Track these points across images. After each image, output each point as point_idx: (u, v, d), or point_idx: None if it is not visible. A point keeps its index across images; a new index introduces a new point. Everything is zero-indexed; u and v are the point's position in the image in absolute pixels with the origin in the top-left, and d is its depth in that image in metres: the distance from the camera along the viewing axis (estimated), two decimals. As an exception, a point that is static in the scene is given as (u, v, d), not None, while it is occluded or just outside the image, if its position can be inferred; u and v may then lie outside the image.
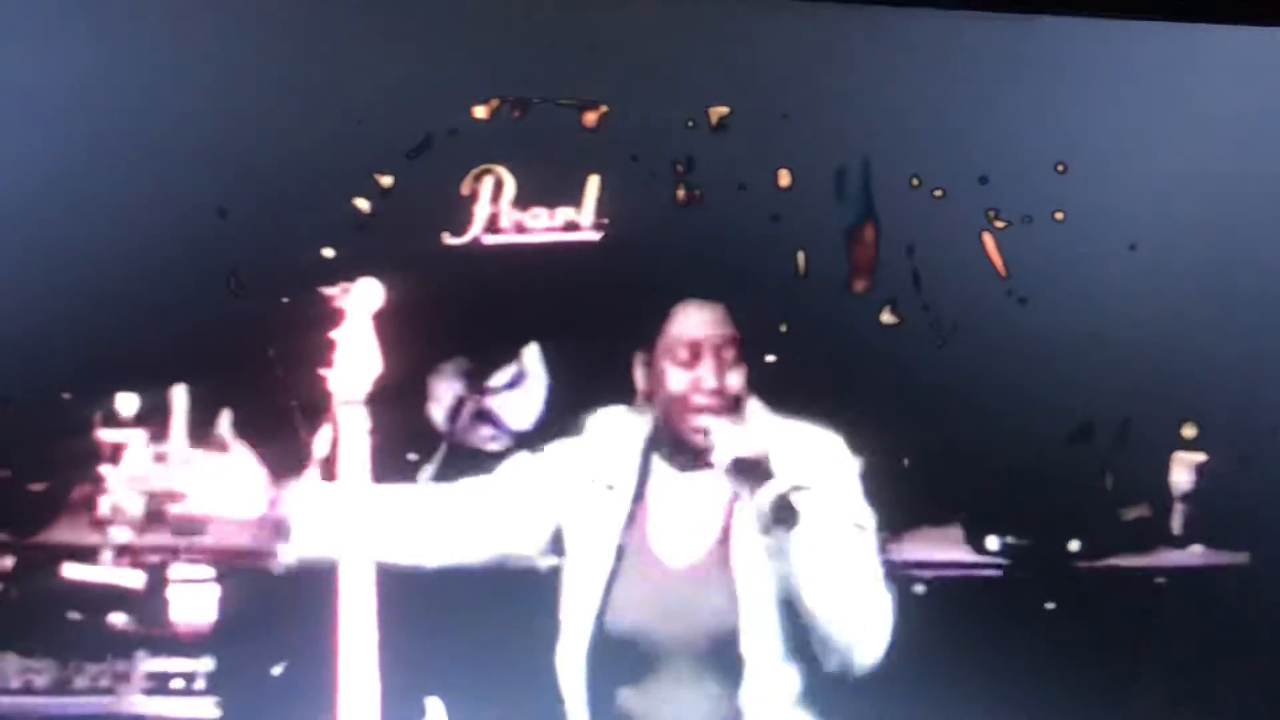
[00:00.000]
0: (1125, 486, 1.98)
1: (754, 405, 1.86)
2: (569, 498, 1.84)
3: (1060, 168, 1.97)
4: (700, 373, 1.83)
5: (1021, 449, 1.94)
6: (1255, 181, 1.99)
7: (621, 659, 1.81)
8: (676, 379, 1.83)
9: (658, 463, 1.85)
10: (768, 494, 1.75)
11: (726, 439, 1.78)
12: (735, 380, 1.84)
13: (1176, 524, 1.99)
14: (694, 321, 1.85)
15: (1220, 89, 1.99)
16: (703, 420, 1.81)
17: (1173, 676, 1.97)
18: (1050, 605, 1.95)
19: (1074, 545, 1.96)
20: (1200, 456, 1.98)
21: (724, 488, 1.82)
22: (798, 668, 1.81)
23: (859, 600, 1.83)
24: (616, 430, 1.86)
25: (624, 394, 1.88)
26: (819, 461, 1.83)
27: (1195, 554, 1.99)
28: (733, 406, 1.83)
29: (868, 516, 1.86)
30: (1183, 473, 1.99)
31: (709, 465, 1.80)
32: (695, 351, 1.83)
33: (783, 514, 1.75)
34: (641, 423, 1.86)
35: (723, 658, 1.81)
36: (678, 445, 1.84)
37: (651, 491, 1.84)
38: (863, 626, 1.83)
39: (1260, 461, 1.99)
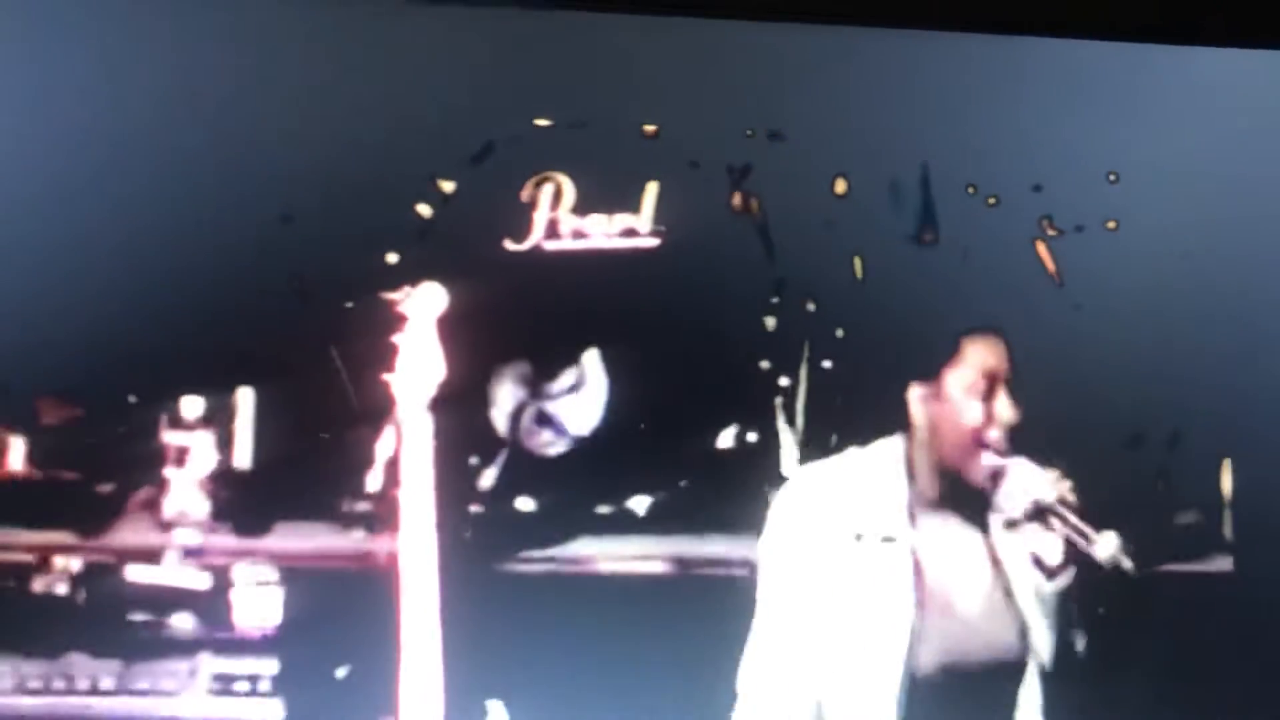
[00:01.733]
0: (1176, 493, 2.00)
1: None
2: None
3: (1112, 177, 1.99)
4: (997, 406, 1.80)
5: (1076, 455, 1.96)
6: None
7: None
8: (973, 410, 1.79)
9: (916, 504, 1.84)
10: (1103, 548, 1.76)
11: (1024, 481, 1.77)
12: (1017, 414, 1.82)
13: (1228, 531, 2.00)
14: (992, 353, 1.82)
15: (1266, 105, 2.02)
16: (990, 459, 1.80)
17: (1225, 680, 1.98)
18: (1102, 611, 1.96)
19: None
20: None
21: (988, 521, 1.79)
22: None
23: None
24: (868, 469, 1.84)
25: (680, 396, 1.90)
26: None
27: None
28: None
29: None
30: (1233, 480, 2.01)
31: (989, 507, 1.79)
32: (993, 385, 1.81)
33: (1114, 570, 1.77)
34: (893, 458, 1.83)
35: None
36: (958, 484, 1.81)
37: (920, 538, 1.82)
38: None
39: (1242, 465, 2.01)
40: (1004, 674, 1.80)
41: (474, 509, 1.87)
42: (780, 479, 1.90)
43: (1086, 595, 1.94)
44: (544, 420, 1.89)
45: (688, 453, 1.91)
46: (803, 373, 1.92)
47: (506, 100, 1.90)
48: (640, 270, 1.91)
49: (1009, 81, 1.99)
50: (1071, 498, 1.77)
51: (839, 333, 1.93)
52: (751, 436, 1.92)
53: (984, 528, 1.83)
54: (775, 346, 1.93)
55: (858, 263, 1.94)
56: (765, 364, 1.93)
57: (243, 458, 1.85)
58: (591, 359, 1.90)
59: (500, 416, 1.89)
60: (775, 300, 1.93)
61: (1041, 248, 1.98)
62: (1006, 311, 1.92)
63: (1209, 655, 1.95)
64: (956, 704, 1.82)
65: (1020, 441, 1.93)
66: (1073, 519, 1.76)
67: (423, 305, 1.86)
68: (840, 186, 1.95)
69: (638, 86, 1.94)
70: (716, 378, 1.92)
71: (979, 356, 1.82)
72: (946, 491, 1.82)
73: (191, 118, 1.84)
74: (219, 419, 1.84)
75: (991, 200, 1.97)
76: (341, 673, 1.84)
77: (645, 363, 1.90)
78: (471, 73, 1.90)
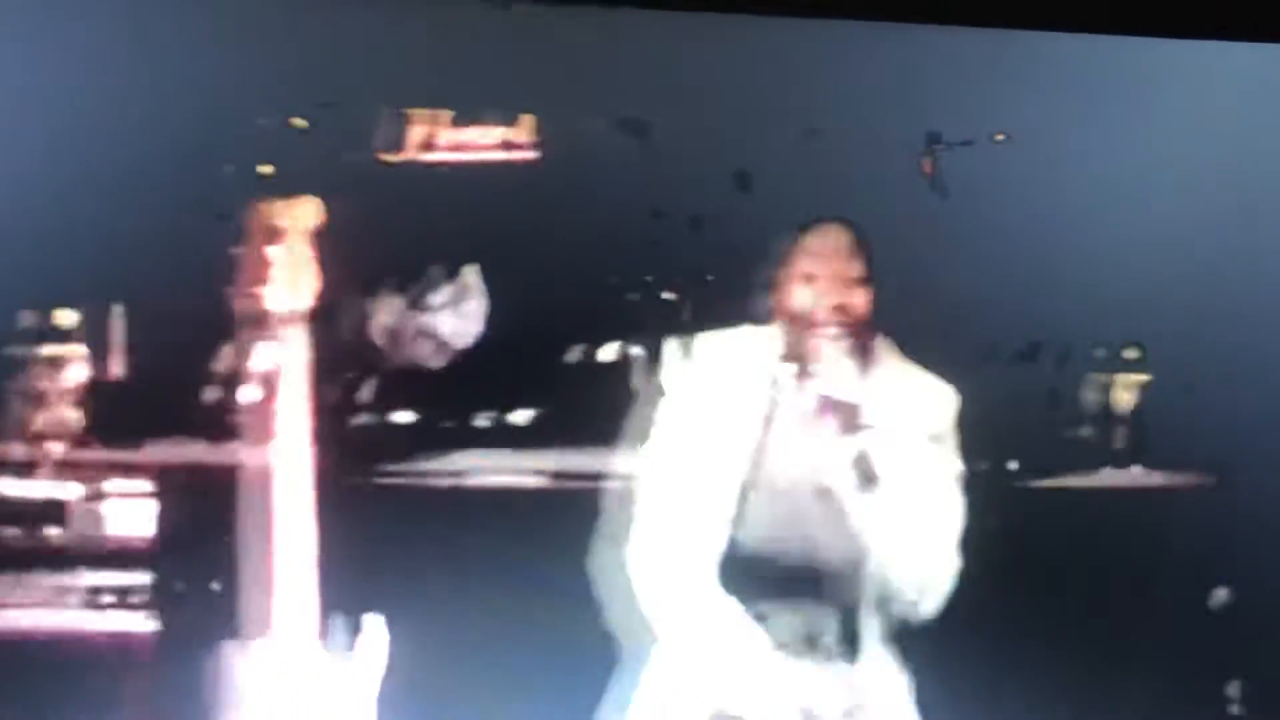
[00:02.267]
0: (1067, 407, 1.98)
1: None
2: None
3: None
4: (822, 290, 1.82)
5: (962, 370, 1.95)
6: (1211, 101, 2.00)
7: (752, 573, 1.82)
8: (800, 296, 1.82)
9: (786, 379, 1.85)
10: (854, 445, 1.76)
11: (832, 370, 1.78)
12: (859, 300, 1.84)
13: (1118, 444, 1.99)
14: (823, 242, 1.84)
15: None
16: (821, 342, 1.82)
17: (1111, 595, 1.97)
18: (992, 524, 1.95)
19: (1013, 465, 1.97)
20: (1142, 378, 1.99)
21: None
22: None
23: (931, 555, 1.85)
24: (738, 347, 1.87)
25: (561, 310, 1.89)
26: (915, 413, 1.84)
27: (1135, 475, 1.99)
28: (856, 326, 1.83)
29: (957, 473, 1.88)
30: (1124, 394, 1.99)
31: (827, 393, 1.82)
32: (821, 272, 1.83)
33: (862, 471, 1.76)
34: (766, 341, 1.86)
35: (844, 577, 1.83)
36: (801, 364, 1.84)
37: (780, 410, 1.84)
38: (930, 580, 1.85)
39: (1203, 385, 2.00)
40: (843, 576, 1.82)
41: (350, 422, 1.86)
42: (660, 391, 1.89)
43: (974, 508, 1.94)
44: (422, 333, 1.88)
45: (568, 367, 1.90)
46: (685, 286, 1.91)
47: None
48: (520, 183, 1.89)
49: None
50: (852, 396, 1.77)
51: (721, 245, 1.92)
52: (635, 350, 1.91)
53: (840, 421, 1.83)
54: (658, 260, 1.92)
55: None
56: (649, 277, 1.92)
57: (116, 370, 1.83)
58: (471, 272, 1.89)
59: (377, 330, 1.87)
60: (657, 213, 1.92)
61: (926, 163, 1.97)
62: (885, 213, 1.91)
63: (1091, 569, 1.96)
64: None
65: (911, 355, 1.93)
66: (843, 417, 1.77)
67: (298, 218, 1.85)
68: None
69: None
70: (598, 292, 1.91)
71: (818, 248, 1.83)
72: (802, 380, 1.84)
73: (75, 32, 1.83)
74: (92, 332, 1.83)
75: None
76: (215, 586, 1.83)
77: (526, 276, 1.89)
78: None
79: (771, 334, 1.86)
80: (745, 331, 1.87)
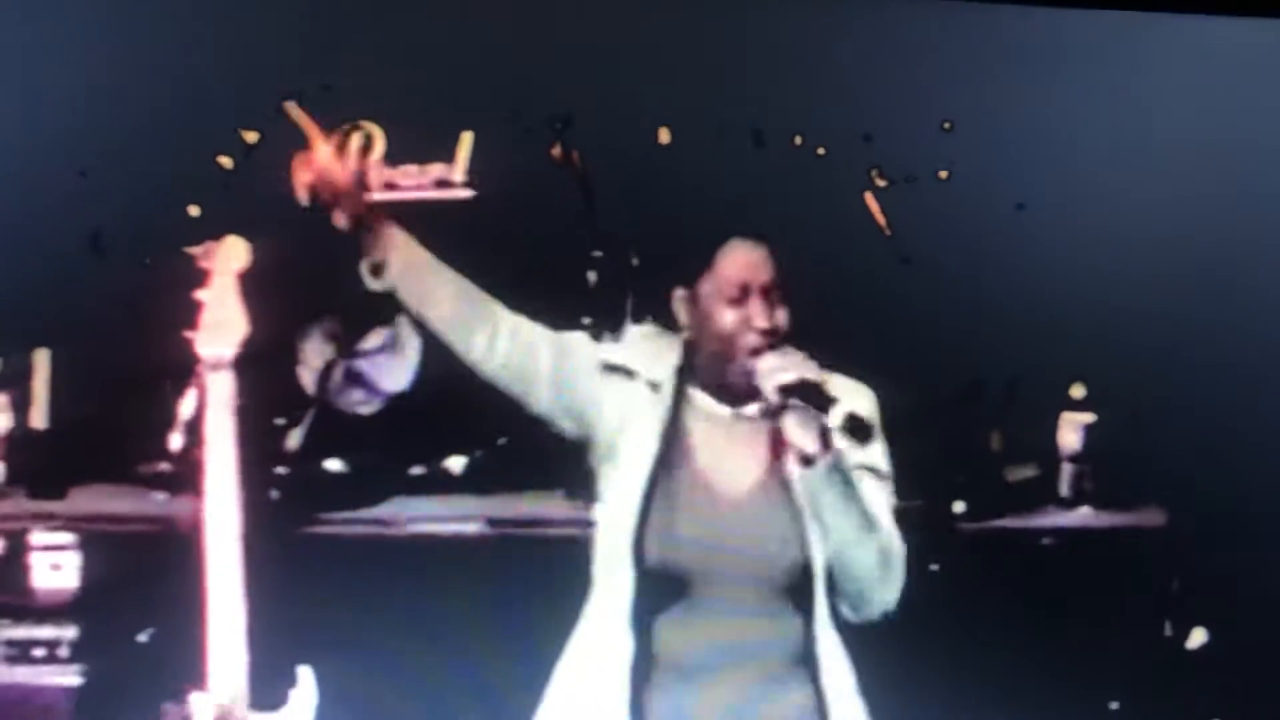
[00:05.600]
0: (1012, 447, 1.96)
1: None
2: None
3: (946, 125, 1.94)
4: (750, 311, 1.79)
5: (906, 410, 1.92)
6: (1142, 143, 1.97)
7: (672, 592, 1.78)
8: (726, 318, 1.79)
9: (692, 390, 1.82)
10: (839, 411, 1.73)
11: (778, 369, 1.75)
12: (782, 318, 1.81)
13: (1064, 485, 1.97)
14: (744, 261, 1.81)
15: (1108, 62, 1.98)
16: (750, 360, 1.78)
17: (1058, 637, 1.95)
18: (934, 567, 1.93)
19: (959, 506, 1.94)
20: (1088, 417, 1.97)
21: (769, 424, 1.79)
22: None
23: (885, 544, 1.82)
24: (646, 339, 1.84)
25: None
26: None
27: (1083, 516, 1.97)
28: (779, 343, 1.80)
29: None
30: (1070, 433, 1.97)
31: (756, 400, 1.78)
32: (745, 291, 1.80)
33: (856, 429, 1.73)
34: (672, 344, 1.83)
35: (793, 586, 1.79)
36: (723, 381, 1.80)
37: (690, 419, 1.81)
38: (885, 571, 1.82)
39: (1149, 423, 1.97)
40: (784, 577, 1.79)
41: (280, 470, 1.82)
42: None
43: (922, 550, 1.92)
44: (354, 378, 1.84)
45: (505, 411, 1.86)
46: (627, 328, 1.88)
47: (313, 47, 1.84)
48: (455, 222, 1.85)
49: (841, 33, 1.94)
50: (815, 376, 1.74)
51: (664, 289, 1.88)
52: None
53: (756, 420, 1.80)
54: (597, 302, 1.88)
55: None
56: (586, 319, 1.88)
57: (39, 419, 1.79)
58: (404, 316, 1.85)
59: (308, 375, 1.84)
60: (597, 254, 1.89)
61: (870, 199, 1.93)
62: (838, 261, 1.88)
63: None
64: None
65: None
66: (811, 395, 1.74)
67: (225, 260, 1.80)
68: (664, 136, 1.90)
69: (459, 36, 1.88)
70: (535, 334, 1.87)
71: (734, 265, 1.80)
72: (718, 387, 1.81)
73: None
74: (14, 380, 1.79)
75: (821, 151, 1.93)
76: (143, 638, 1.79)
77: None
78: (277, 18, 1.84)
79: (683, 344, 1.83)
80: (655, 337, 1.84)
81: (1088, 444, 1.97)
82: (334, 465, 1.84)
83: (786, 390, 1.74)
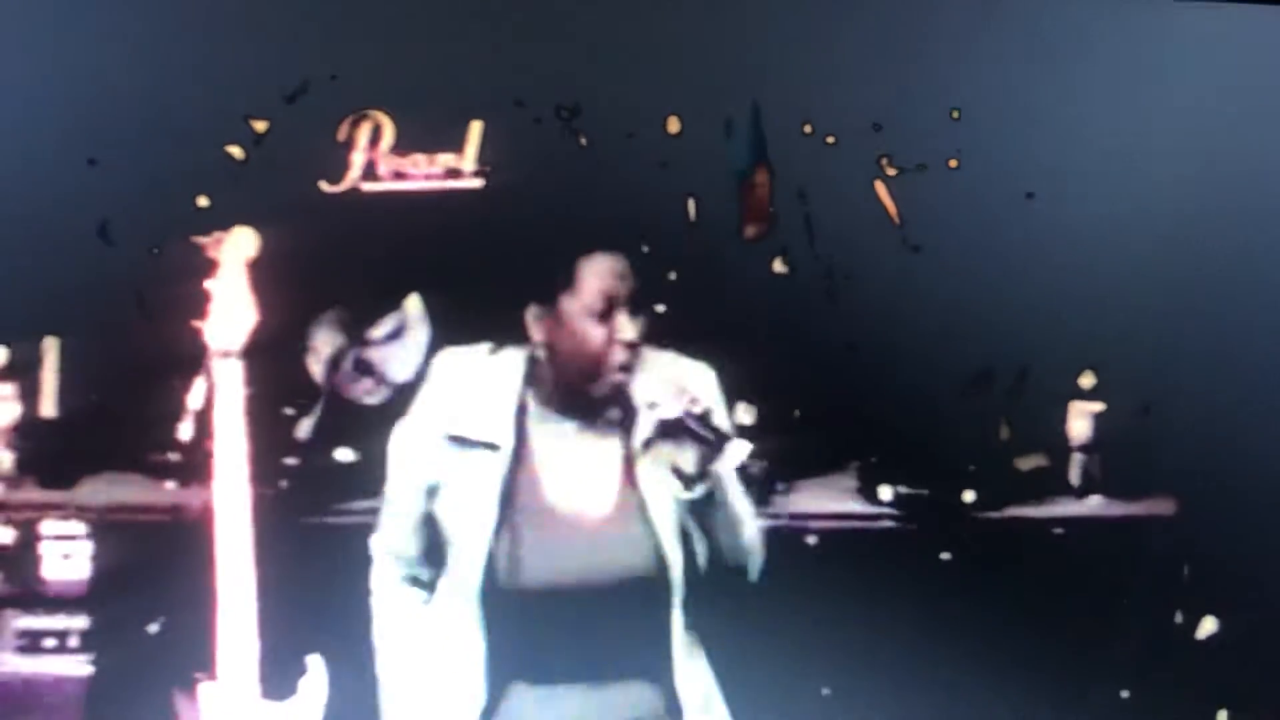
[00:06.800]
0: (1022, 436, 1.96)
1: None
2: (444, 454, 1.79)
3: (955, 114, 1.94)
4: (614, 326, 1.77)
5: (915, 400, 1.92)
6: (1152, 132, 1.96)
7: (527, 612, 1.77)
8: (590, 332, 1.77)
9: (539, 411, 1.80)
10: (734, 450, 1.72)
11: (656, 396, 1.74)
12: (639, 332, 1.79)
13: (1074, 475, 1.97)
14: (605, 273, 1.79)
15: (1118, 49, 1.96)
16: (617, 376, 1.76)
17: (1068, 627, 1.95)
18: (945, 556, 1.93)
19: (969, 496, 1.94)
20: (1098, 406, 1.96)
21: (619, 437, 1.77)
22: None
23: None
24: (477, 376, 1.80)
25: (507, 343, 1.84)
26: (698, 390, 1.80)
27: (1093, 505, 1.97)
28: (638, 358, 1.79)
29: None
30: (1081, 423, 1.97)
31: (616, 417, 1.76)
32: (609, 304, 1.78)
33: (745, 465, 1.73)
34: (511, 367, 1.80)
35: (654, 605, 1.78)
36: (576, 397, 1.79)
37: (537, 442, 1.80)
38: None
39: (1159, 412, 1.97)
40: (641, 593, 1.77)
41: (290, 460, 1.82)
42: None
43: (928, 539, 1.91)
44: (363, 368, 1.84)
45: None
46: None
47: (322, 36, 1.84)
48: (464, 212, 1.85)
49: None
50: (700, 407, 1.72)
51: (671, 275, 1.88)
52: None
53: (617, 443, 1.78)
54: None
55: (691, 204, 1.89)
56: (596, 308, 1.87)
57: (49, 408, 1.79)
58: (413, 304, 1.85)
59: (317, 364, 1.83)
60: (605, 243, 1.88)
61: (880, 187, 1.93)
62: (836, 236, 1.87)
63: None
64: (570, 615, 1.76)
65: (861, 384, 1.90)
66: (701, 429, 1.72)
67: (234, 250, 1.80)
68: (673, 125, 1.90)
69: (468, 25, 1.88)
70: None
71: (597, 278, 1.78)
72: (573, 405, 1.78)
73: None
74: (23, 369, 1.79)
75: (830, 139, 1.92)
76: (154, 628, 1.79)
77: (470, 308, 1.85)
78: (286, 7, 1.84)
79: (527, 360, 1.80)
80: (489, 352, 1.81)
81: (1098, 433, 1.96)
82: (344, 455, 1.83)
83: (670, 426, 1.72)
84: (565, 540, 1.77)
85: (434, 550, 1.77)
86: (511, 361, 1.79)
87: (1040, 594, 1.95)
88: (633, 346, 1.77)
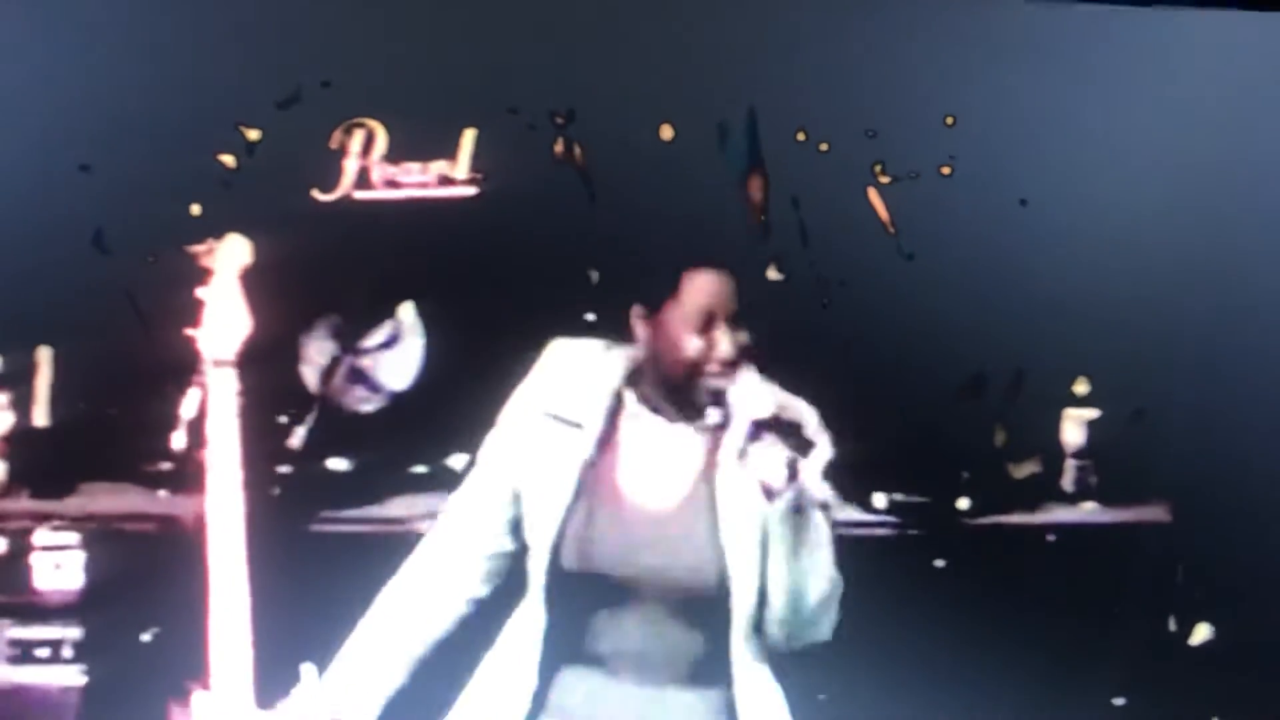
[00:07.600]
0: (1016, 443, 1.96)
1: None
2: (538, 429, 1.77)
3: (948, 121, 1.94)
4: (715, 339, 1.75)
5: (909, 407, 1.92)
6: (1145, 138, 1.97)
7: (588, 597, 1.75)
8: (691, 345, 1.74)
9: (634, 407, 1.79)
10: (819, 456, 1.71)
11: (752, 398, 1.74)
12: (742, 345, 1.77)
13: (1068, 481, 1.97)
14: (710, 289, 1.77)
15: (1111, 56, 1.97)
16: (717, 383, 1.74)
17: (1063, 633, 1.95)
18: (940, 563, 1.93)
19: (963, 503, 1.94)
20: (1092, 413, 1.97)
21: (708, 440, 1.77)
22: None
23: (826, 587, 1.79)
24: (582, 365, 1.79)
25: (503, 350, 1.84)
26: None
27: (1087, 511, 1.97)
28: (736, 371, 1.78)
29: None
30: (1074, 429, 1.97)
31: (712, 423, 1.75)
32: (710, 319, 1.77)
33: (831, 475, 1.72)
34: (615, 363, 1.79)
35: (706, 601, 1.76)
36: (673, 396, 1.76)
37: (625, 433, 1.78)
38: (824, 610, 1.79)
39: (1153, 419, 1.97)
40: (703, 600, 1.75)
41: (283, 469, 1.82)
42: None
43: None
44: (357, 376, 1.84)
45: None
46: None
47: (315, 44, 1.84)
48: (458, 220, 1.85)
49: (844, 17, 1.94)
50: (789, 414, 1.73)
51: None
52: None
53: (703, 444, 1.76)
54: (600, 298, 1.88)
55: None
56: (590, 316, 1.87)
57: (41, 417, 1.79)
58: (407, 312, 1.85)
59: (310, 373, 1.83)
60: (600, 250, 1.88)
61: (873, 195, 1.93)
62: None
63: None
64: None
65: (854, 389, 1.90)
66: (791, 434, 1.72)
67: (228, 258, 1.80)
68: (666, 133, 1.90)
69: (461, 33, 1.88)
70: (538, 331, 1.86)
71: (698, 292, 1.79)
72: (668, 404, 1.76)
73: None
74: (16, 378, 1.79)
75: (824, 147, 1.92)
76: (147, 637, 1.79)
77: (464, 316, 1.85)
78: (279, 15, 1.84)
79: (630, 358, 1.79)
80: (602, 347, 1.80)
81: (1091, 440, 1.97)
82: (337, 463, 1.83)
83: (762, 425, 1.72)
84: (635, 530, 1.77)
85: (514, 526, 1.77)
86: (617, 358, 1.79)
87: (1034, 600, 1.95)
88: (731, 363, 1.77)
